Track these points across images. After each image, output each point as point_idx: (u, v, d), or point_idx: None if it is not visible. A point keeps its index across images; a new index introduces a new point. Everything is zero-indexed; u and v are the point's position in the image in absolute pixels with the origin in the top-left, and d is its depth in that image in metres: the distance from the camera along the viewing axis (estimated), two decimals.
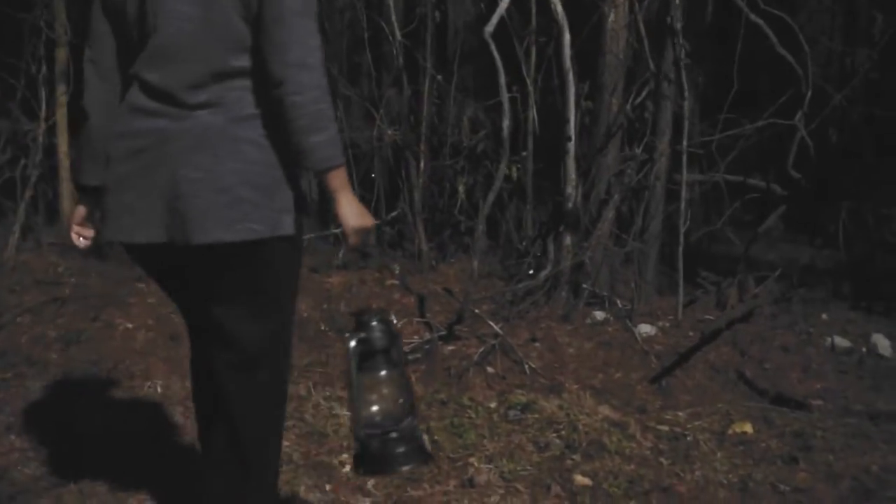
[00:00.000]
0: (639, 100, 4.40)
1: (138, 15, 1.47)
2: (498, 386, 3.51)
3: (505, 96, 4.01)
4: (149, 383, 3.23)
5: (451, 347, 3.82)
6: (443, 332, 3.87)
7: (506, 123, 4.01)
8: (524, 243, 4.64)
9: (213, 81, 1.44)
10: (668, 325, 4.10)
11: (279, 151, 1.48)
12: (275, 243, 1.49)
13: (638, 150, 4.36)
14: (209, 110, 1.45)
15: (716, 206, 4.96)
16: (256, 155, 1.45)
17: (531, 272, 4.34)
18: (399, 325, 3.94)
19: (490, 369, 3.65)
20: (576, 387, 3.50)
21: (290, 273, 1.58)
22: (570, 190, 4.29)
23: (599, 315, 4.10)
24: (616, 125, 4.37)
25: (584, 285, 4.24)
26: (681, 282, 4.16)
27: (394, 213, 4.89)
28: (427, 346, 3.78)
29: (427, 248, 4.73)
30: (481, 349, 3.70)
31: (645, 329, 3.99)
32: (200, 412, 1.78)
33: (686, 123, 4.19)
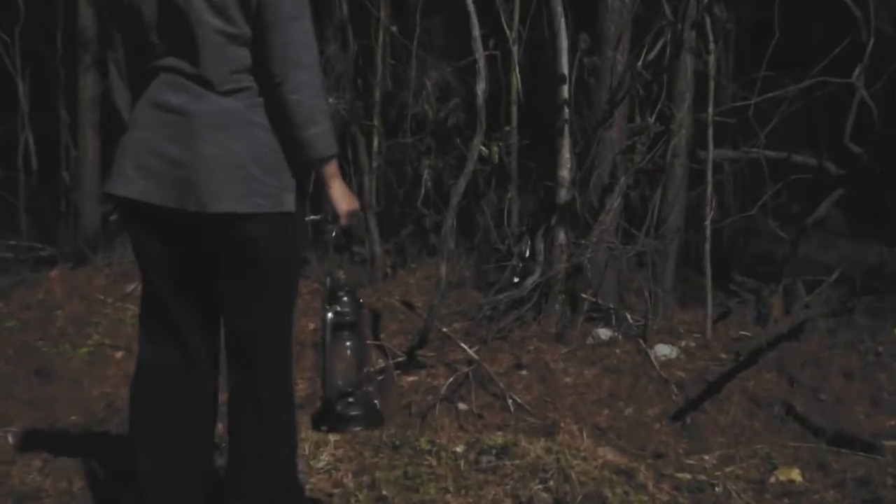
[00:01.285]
0: (652, 55, 4.35)
1: (160, 19, 2.11)
2: (472, 427, 3.47)
3: (480, 53, 3.97)
4: (1, 431, 3.17)
5: (411, 378, 3.81)
6: (401, 359, 3.87)
7: (481, 88, 3.98)
8: (506, 242, 4.61)
9: (233, 74, 2.08)
10: (693, 344, 4.09)
11: (281, 137, 2.10)
12: (276, 218, 2.09)
13: (651, 120, 4.32)
14: (231, 98, 2.08)
15: (753, 192, 4.96)
16: (265, 138, 2.08)
17: (515, 279, 4.31)
18: None
19: (462, 406, 3.63)
20: (574, 427, 3.40)
21: (289, 248, 2.19)
22: (564, 173, 4.26)
23: (604, 333, 4.10)
24: (623, 89, 4.31)
25: (584, 295, 4.21)
26: (709, 289, 4.15)
27: None
28: (381, 377, 3.73)
29: (382, 251, 4.77)
30: (451, 380, 3.69)
31: (663, 351, 3.99)
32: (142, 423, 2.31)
33: (712, 84, 4.18)
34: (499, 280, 4.37)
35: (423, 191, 5.01)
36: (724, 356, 3.97)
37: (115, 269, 4.88)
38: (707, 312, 4.17)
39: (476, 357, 3.79)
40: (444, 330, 3.97)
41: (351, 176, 4.83)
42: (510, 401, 3.62)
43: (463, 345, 3.86)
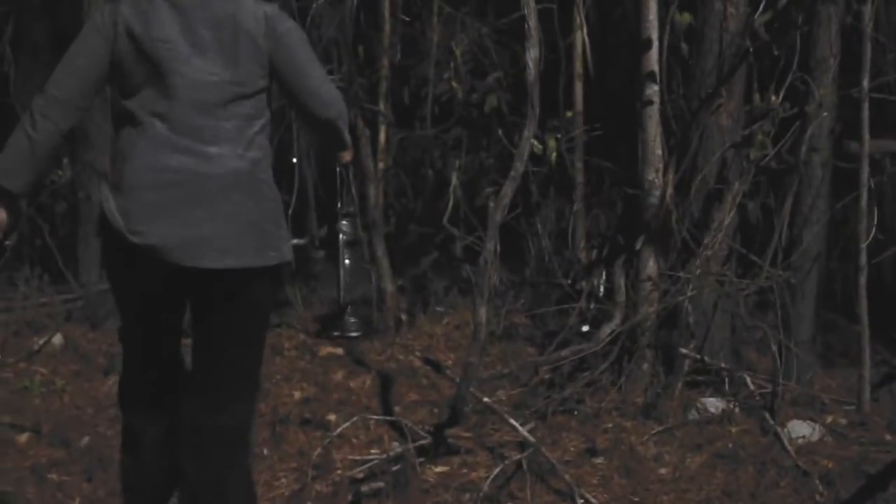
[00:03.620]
0: (778, 4, 4.35)
1: (152, 61, 2.93)
2: None
3: (531, 7, 3.98)
4: None
5: (440, 469, 3.87)
6: (425, 441, 3.90)
7: (532, 57, 3.98)
8: (571, 275, 4.65)
9: (236, 127, 2.97)
10: (843, 421, 4.10)
11: (276, 190, 3.06)
12: (277, 268, 3.00)
13: (776, 99, 4.32)
14: (233, 153, 2.95)
15: None
16: (270, 193, 3.01)
17: (585, 328, 4.35)
18: (341, 430, 4.01)
19: None
20: None
21: (274, 297, 3.26)
22: (652, 176, 4.31)
23: (714, 405, 4.11)
24: (737, 55, 4.36)
25: (684, 350, 4.22)
26: (865, 341, 4.14)
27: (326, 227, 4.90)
28: (396, 467, 3.81)
29: (394, 288, 4.74)
30: (497, 471, 3.71)
31: (800, 430, 4.01)
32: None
33: (868, 44, 4.16)
34: (562, 329, 4.38)
35: (450, 203, 5.00)
36: (888, 438, 3.96)
37: (15, 315, 4.91)
38: (864, 375, 4.15)
39: (531, 439, 3.80)
40: (486, 400, 3.97)
41: (349, 182, 4.80)
42: (581, 501, 3.63)
43: (513, 421, 3.87)
